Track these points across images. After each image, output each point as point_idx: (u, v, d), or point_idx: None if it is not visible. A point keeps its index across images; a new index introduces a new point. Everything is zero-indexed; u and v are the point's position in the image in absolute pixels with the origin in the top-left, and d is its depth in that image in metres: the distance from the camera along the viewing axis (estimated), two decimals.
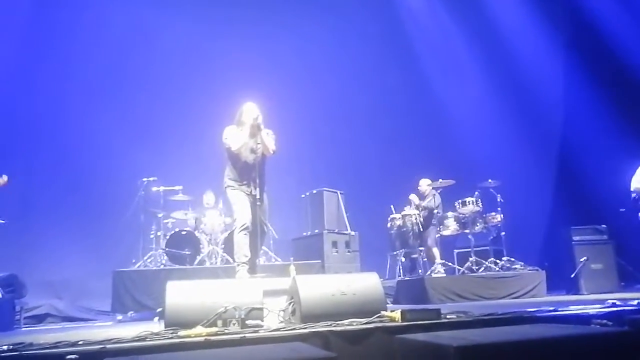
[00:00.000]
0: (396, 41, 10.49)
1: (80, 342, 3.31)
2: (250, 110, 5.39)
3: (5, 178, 6.19)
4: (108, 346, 3.23)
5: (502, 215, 7.90)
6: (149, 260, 7.52)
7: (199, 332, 3.65)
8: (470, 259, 7.64)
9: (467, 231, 7.84)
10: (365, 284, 4.35)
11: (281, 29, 9.67)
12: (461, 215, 7.83)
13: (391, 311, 4.09)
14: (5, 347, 3.09)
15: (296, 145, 8.20)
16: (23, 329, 6.61)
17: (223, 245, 7.69)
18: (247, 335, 3.62)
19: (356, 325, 3.78)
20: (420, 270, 7.84)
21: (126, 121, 8.62)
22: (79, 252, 8.12)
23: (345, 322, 3.88)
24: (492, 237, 8.15)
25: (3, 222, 6.62)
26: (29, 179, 7.95)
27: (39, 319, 7.60)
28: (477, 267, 7.54)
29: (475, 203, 7.71)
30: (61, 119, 8.52)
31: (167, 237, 7.63)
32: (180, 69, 9.04)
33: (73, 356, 2.34)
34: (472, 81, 10.61)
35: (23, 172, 7.92)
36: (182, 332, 3.66)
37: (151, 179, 7.86)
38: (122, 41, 8.98)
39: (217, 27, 9.41)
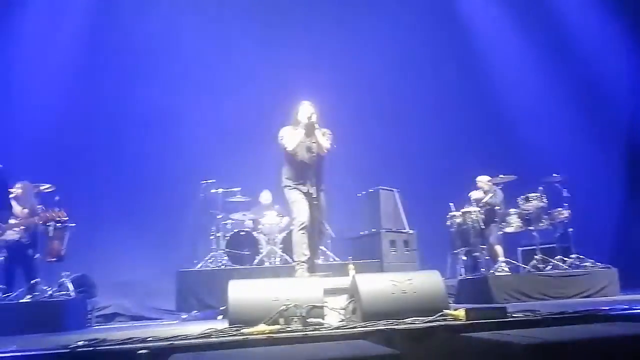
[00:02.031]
0: (450, 33, 10.25)
1: (149, 339, 3.42)
2: (305, 110, 5.42)
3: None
4: (175, 342, 3.33)
5: (569, 211, 7.57)
6: (210, 261, 7.69)
7: (261, 330, 3.69)
8: (536, 256, 7.36)
9: (531, 228, 7.56)
10: (427, 282, 4.28)
11: (335, 27, 9.67)
12: (525, 211, 7.56)
13: (454, 310, 4.01)
14: (81, 343, 3.23)
15: (352, 143, 8.17)
16: (94, 327, 6.90)
17: (282, 245, 7.77)
18: (309, 333, 3.64)
19: (419, 323, 3.73)
20: (482, 269, 7.62)
21: (186, 125, 8.84)
22: (144, 254, 8.41)
23: (407, 320, 3.83)
24: (558, 234, 7.82)
25: (73, 225, 6.93)
26: (97, 184, 8.30)
27: (109, 318, 7.92)
28: (543, 265, 7.25)
29: (539, 199, 7.43)
30: (126, 125, 8.84)
31: (227, 238, 7.78)
32: (236, 71, 9.19)
33: (144, 351, 2.40)
34: (533, 71, 10.21)
35: (91, 177, 8.29)
36: (245, 330, 3.72)
37: (210, 181, 8.03)
38: (180, 45, 9.23)
39: (271, 28, 9.51)
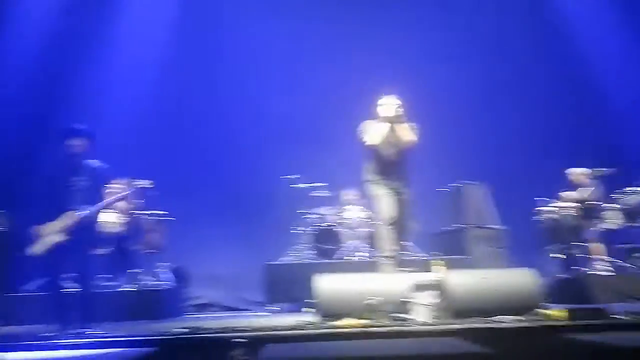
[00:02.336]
0: (541, 18, 9.72)
1: (243, 328, 3.57)
2: (389, 103, 5.37)
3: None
4: (267, 333, 3.46)
5: None
6: (294, 255, 7.85)
7: (349, 324, 3.75)
8: (637, 254, 6.87)
9: (634, 224, 7.06)
10: (520, 280, 4.15)
11: (416, 18, 9.48)
12: (625, 206, 7.07)
13: (550, 309, 3.85)
14: (180, 330, 3.44)
15: (437, 137, 7.96)
16: (189, 316, 7.28)
17: (365, 240, 7.77)
18: (397, 328, 3.64)
19: (511, 322, 3.62)
20: (578, 268, 7.22)
21: (273, 121, 9.04)
22: (233, 247, 8.71)
23: (499, 318, 3.74)
24: None
25: (169, 219, 7.35)
26: (191, 181, 8.69)
27: (201, 307, 8.30)
28: None
29: None
30: (216, 122, 9.16)
31: (311, 233, 7.89)
32: (320, 66, 9.21)
33: (241, 340, 2.51)
34: (631, 55, 9.48)
35: (186, 174, 8.69)
36: (333, 323, 3.79)
37: (294, 176, 8.18)
38: (264, 42, 9.41)
39: (352, 22, 9.48)
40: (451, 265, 6.04)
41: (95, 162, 4.70)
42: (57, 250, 4.49)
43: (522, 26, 9.61)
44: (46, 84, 8.43)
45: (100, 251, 6.86)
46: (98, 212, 4.78)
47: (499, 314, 3.80)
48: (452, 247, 7.79)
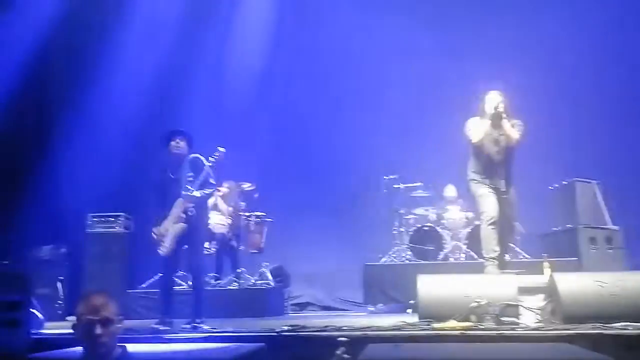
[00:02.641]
0: None
1: (344, 328, 3.61)
2: (492, 100, 5.18)
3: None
4: (369, 333, 3.47)
5: None
6: (394, 255, 7.80)
7: (453, 326, 3.66)
8: None
9: None
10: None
11: (524, 8, 9.05)
12: None
13: None
14: (285, 328, 3.55)
15: (545, 131, 7.57)
16: (290, 314, 7.48)
17: (466, 241, 7.56)
18: (504, 332, 3.51)
19: (632, 329, 3.35)
20: None
21: (370, 121, 9.01)
22: (332, 247, 8.80)
23: (618, 325, 3.48)
24: None
25: (270, 220, 7.61)
26: (290, 183, 8.89)
27: (301, 306, 8.51)
28: None
29: None
30: (314, 124, 9.28)
31: (410, 233, 7.80)
32: (418, 63, 9.04)
33: (344, 339, 2.55)
34: None
35: (286, 176, 8.91)
36: (436, 325, 3.72)
37: (392, 176, 8.13)
38: (362, 41, 9.38)
39: (454, 16, 9.24)
40: (561, 268, 5.74)
41: (197, 156, 4.95)
42: (176, 247, 4.78)
43: (636, 17, 8.84)
44: (160, 89, 8.92)
45: (208, 250, 7.31)
46: (207, 197, 5.03)
47: (617, 320, 3.54)
48: (563, 248, 7.34)
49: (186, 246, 4.88)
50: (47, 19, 8.18)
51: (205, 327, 4.19)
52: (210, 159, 4.87)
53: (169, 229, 4.74)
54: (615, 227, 7.34)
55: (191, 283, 5.23)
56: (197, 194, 4.78)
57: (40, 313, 4.77)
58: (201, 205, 4.94)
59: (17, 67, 7.78)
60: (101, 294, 2.40)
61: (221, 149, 4.90)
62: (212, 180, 4.93)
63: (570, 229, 7.39)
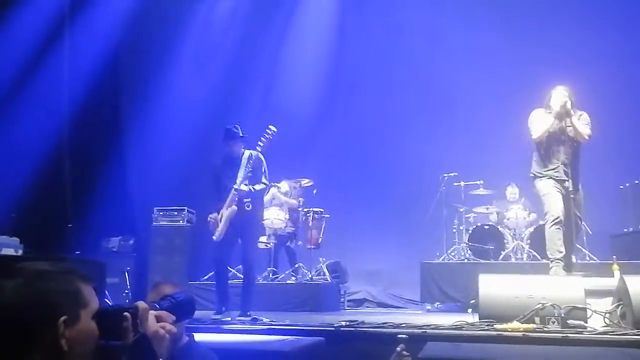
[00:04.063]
0: None
1: (403, 325, 3.60)
2: (559, 95, 5.00)
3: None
4: (428, 331, 3.44)
5: None
6: (452, 254, 7.68)
7: (515, 327, 3.58)
8: None
9: None
10: None
11: (594, 7, 8.66)
12: None
13: None
14: (343, 323, 3.58)
15: (615, 128, 7.23)
16: (347, 310, 7.51)
17: (529, 241, 7.33)
18: (570, 335, 3.40)
19: None
20: None
21: (428, 118, 8.90)
22: (389, 244, 8.75)
23: None
24: None
25: (328, 216, 7.66)
26: (348, 179, 8.91)
27: (358, 303, 8.52)
28: None
29: None
30: (373, 121, 9.26)
31: (470, 231, 7.65)
32: (481, 55, 8.85)
33: (404, 336, 2.54)
34: None
35: (344, 173, 8.93)
36: (497, 326, 3.64)
37: (452, 174, 8.00)
38: (411, 40, 9.28)
39: (514, 8, 8.97)
40: (632, 270, 5.47)
41: (251, 152, 5.06)
42: (229, 234, 4.91)
43: None
44: (223, 88, 9.12)
45: (267, 245, 7.45)
46: (263, 192, 5.15)
47: None
48: (634, 250, 6.99)
49: (240, 240, 4.99)
50: (122, 15, 8.53)
51: (265, 319, 4.28)
52: (262, 139, 4.99)
53: (224, 215, 4.89)
54: None
55: (242, 275, 5.31)
56: (256, 187, 4.91)
57: (110, 301, 5.01)
58: (257, 199, 5.06)
59: (94, 62, 8.16)
60: (170, 283, 2.50)
61: (273, 128, 5.01)
62: (265, 180, 5.05)
63: None
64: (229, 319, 4.52)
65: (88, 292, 1.37)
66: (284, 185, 7.65)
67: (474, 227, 7.69)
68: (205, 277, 7.18)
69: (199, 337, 2.90)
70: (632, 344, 3.21)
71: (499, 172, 7.85)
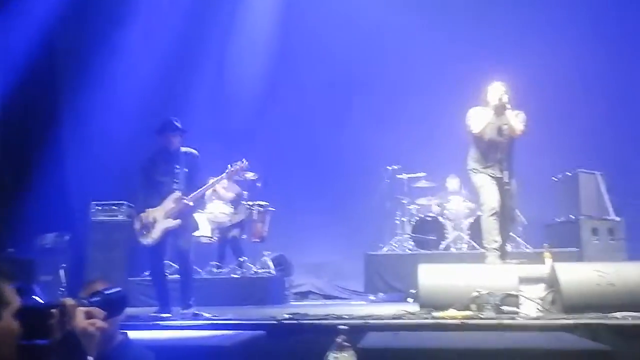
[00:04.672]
0: None
1: (345, 316, 3.63)
2: (496, 90, 5.16)
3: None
4: (370, 321, 3.49)
5: None
6: (395, 245, 7.82)
7: (453, 315, 3.68)
8: None
9: None
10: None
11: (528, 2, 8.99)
12: None
13: None
14: (286, 316, 3.57)
15: (548, 122, 7.54)
16: (291, 303, 7.51)
17: (468, 231, 7.56)
18: (503, 321, 3.53)
19: (632, 319, 3.36)
20: None
21: (370, 111, 9.00)
22: (334, 236, 8.83)
23: (618, 315, 3.49)
24: None
25: (273, 209, 7.62)
26: (293, 172, 8.91)
27: (303, 295, 8.53)
28: None
29: None
30: (318, 114, 9.27)
31: (412, 223, 7.81)
32: (422, 53, 9.01)
33: (344, 327, 2.56)
34: None
35: (288, 166, 8.91)
36: (436, 314, 3.74)
37: (395, 166, 8.13)
38: (357, 32, 9.34)
39: (458, 4, 9.19)
40: (562, 258, 5.75)
41: (190, 150, 4.94)
42: (165, 237, 4.76)
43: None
44: (164, 80, 8.88)
45: (211, 239, 7.33)
46: (201, 196, 5.02)
47: (616, 310, 3.54)
48: (566, 239, 7.34)
49: (175, 236, 4.84)
50: (58, 1, 8.13)
51: (206, 314, 4.22)
52: (232, 167, 4.86)
53: (158, 220, 4.70)
54: (618, 219, 7.34)
55: (180, 270, 5.13)
56: (190, 203, 4.76)
57: (42, 299, 4.78)
58: (189, 214, 4.95)
59: (25, 53, 7.76)
60: (103, 281, 2.41)
61: (245, 162, 4.90)
62: (207, 183, 4.93)
63: (572, 219, 7.39)
64: (169, 315, 4.43)
65: (9, 291, 1.33)
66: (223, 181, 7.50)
67: (417, 218, 7.86)
68: (147, 273, 6.99)
69: (137, 334, 2.81)
70: (560, 328, 3.37)
71: (441, 164, 8.04)
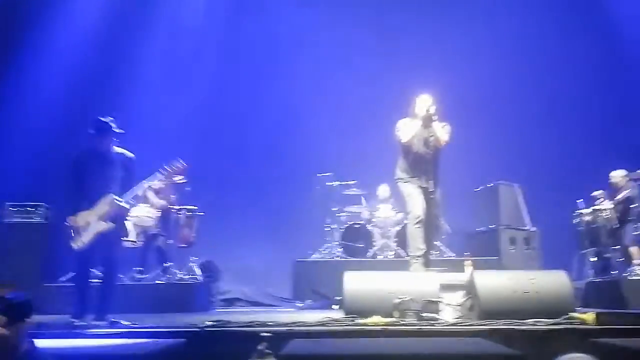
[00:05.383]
0: (578, 14, 9.42)
1: (270, 323, 3.60)
2: (423, 102, 5.32)
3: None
4: (294, 328, 3.47)
5: None
6: (324, 252, 7.87)
7: (376, 322, 3.73)
8: None
9: None
10: (552, 282, 4.06)
11: (456, 18, 9.36)
12: None
13: (582, 313, 3.76)
14: (209, 323, 3.49)
15: (471, 136, 7.87)
16: (217, 310, 7.37)
17: (396, 239, 7.74)
18: (424, 327, 3.61)
19: (542, 325, 3.54)
20: (614, 272, 7.02)
21: (306, 119, 9.03)
22: (264, 242, 8.77)
23: (529, 321, 3.66)
24: None
25: (202, 214, 7.45)
26: (223, 177, 8.79)
27: (230, 302, 8.38)
28: None
29: None
30: (249, 119, 9.25)
31: (342, 230, 7.90)
32: (353, 65, 9.18)
33: (267, 334, 2.54)
34: None
35: (218, 171, 8.78)
36: (360, 321, 3.77)
37: (326, 174, 8.20)
38: (299, 39, 9.38)
39: (389, 19, 9.41)
40: (482, 266, 5.98)
41: (124, 152, 4.76)
42: (95, 241, 4.55)
43: (555, 24, 9.35)
44: (81, 77, 8.56)
45: (134, 244, 7.06)
46: (133, 199, 4.83)
47: (529, 317, 3.72)
48: (486, 247, 7.68)
49: (103, 241, 4.64)
50: None
51: (125, 322, 4.04)
52: (168, 168, 4.70)
53: (91, 223, 4.51)
54: (533, 229, 7.76)
55: (103, 277, 4.92)
56: (129, 197, 4.59)
57: None
58: (123, 217, 4.77)
59: None
60: (9, 286, 2.25)
61: (183, 163, 4.75)
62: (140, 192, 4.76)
63: (492, 229, 7.75)
64: (85, 323, 4.21)
65: None
66: (156, 183, 7.26)
67: (346, 226, 7.95)
68: (64, 279, 6.65)
69: (48, 343, 2.66)
70: (477, 334, 3.49)
71: (372, 172, 8.18)
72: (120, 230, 4.83)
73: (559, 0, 9.58)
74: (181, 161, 4.79)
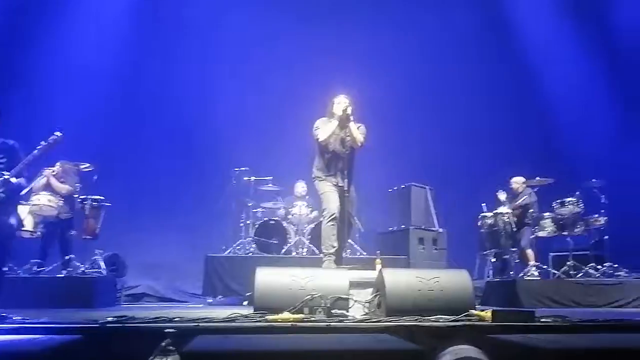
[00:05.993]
0: (490, 28, 9.96)
1: (176, 319, 3.48)
2: (341, 102, 5.39)
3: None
4: (201, 324, 3.38)
5: (606, 218, 7.35)
6: (238, 248, 7.78)
7: (285, 318, 3.72)
8: (568, 262, 7.19)
9: (565, 233, 7.38)
10: (454, 281, 4.24)
11: (376, 19, 9.57)
12: (559, 216, 7.37)
13: (481, 311, 3.96)
14: (110, 319, 3.32)
15: (386, 139, 8.09)
16: (123, 305, 7.07)
17: (309, 236, 7.79)
18: (332, 324, 3.64)
19: (443, 321, 3.69)
20: (511, 272, 7.50)
21: (222, 113, 8.90)
22: (174, 237, 8.54)
23: (432, 317, 3.81)
24: (593, 241, 7.62)
25: (109, 204, 7.10)
26: (133, 166, 8.45)
27: (137, 297, 8.09)
28: (574, 272, 7.08)
29: (575, 204, 7.23)
30: (163, 111, 8.99)
31: (256, 226, 7.83)
32: (274, 61, 9.17)
33: (172, 330, 2.45)
34: (577, 69, 9.86)
35: (129, 160, 8.45)
36: (269, 317, 3.75)
37: (243, 168, 8.11)
38: (217, 32, 9.25)
39: (308, 18, 9.46)
40: (392, 264, 6.17)
41: (6, 141, 4.45)
42: None
43: (470, 30, 9.82)
44: None
45: (32, 234, 6.60)
46: (21, 186, 4.50)
47: (433, 314, 3.87)
48: (397, 246, 7.93)
49: None
50: None
51: (16, 317, 3.76)
52: (42, 143, 4.39)
53: None
54: (441, 230, 8.12)
55: None
56: (12, 179, 4.26)
57: None
58: (13, 192, 4.42)
59: None
60: None
61: (58, 133, 4.46)
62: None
63: (403, 229, 8.01)
64: None
65: None
66: (59, 168, 6.83)
67: (260, 221, 7.90)
68: None
69: None
70: (383, 330, 3.57)
71: (289, 169, 8.20)
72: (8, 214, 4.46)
73: (474, 8, 10.03)
74: (58, 133, 4.53)
